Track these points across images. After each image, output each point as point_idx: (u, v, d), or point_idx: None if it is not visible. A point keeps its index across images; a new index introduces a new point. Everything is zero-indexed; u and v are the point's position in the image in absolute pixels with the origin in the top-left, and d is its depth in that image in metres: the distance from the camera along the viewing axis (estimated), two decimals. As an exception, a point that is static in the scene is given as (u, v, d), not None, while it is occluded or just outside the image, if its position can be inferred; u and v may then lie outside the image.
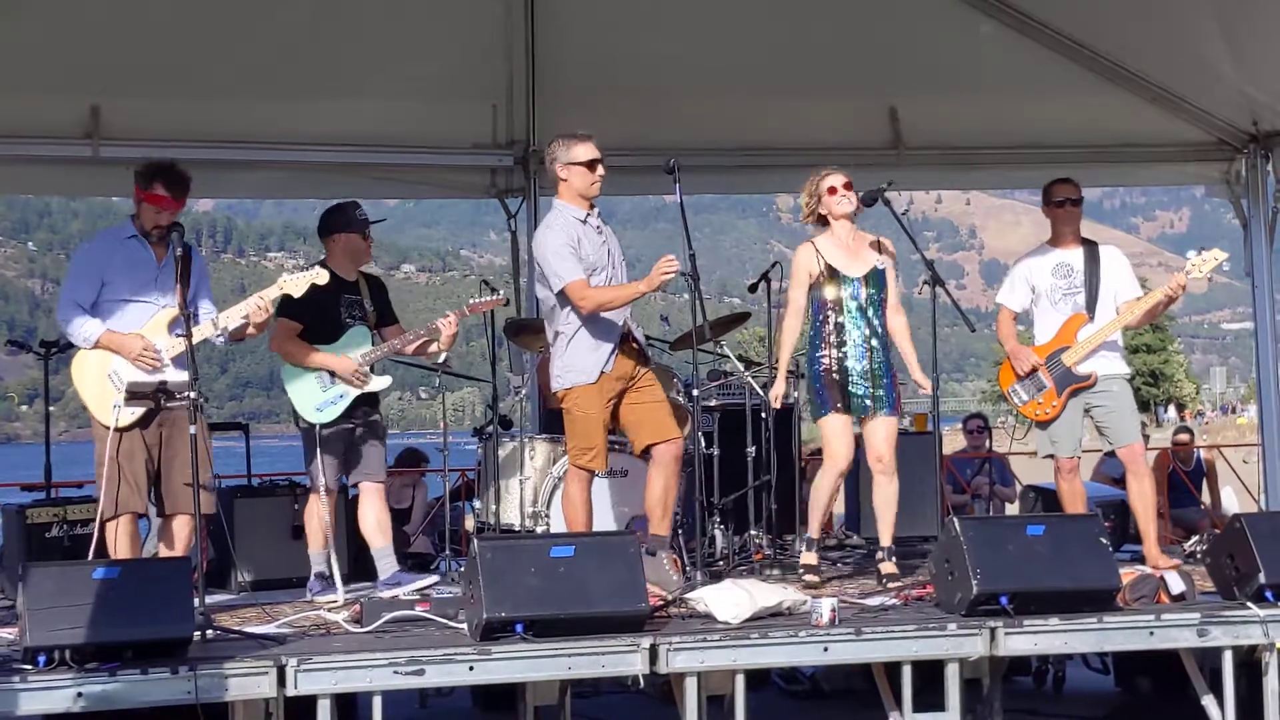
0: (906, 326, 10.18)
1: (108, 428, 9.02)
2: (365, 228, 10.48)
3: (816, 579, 10.00)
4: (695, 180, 13.71)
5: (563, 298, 9.64)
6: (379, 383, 10.33)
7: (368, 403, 10.33)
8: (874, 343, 9.95)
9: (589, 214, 9.74)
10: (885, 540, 10.11)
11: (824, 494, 10.11)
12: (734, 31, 13.60)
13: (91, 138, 12.84)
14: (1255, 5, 12.43)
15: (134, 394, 8.91)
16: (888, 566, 10.02)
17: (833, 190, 10.03)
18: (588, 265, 9.58)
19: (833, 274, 9.96)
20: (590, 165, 9.67)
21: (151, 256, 9.27)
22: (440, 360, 10.74)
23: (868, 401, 9.93)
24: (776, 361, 10.39)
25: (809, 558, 10.16)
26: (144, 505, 9.19)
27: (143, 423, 9.09)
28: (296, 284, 9.50)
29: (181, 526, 9.22)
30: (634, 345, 9.80)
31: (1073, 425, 10.45)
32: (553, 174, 9.85)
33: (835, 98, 13.99)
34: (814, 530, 10.23)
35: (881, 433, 10.00)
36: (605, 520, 10.57)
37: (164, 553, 9.22)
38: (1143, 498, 10.49)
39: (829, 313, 9.97)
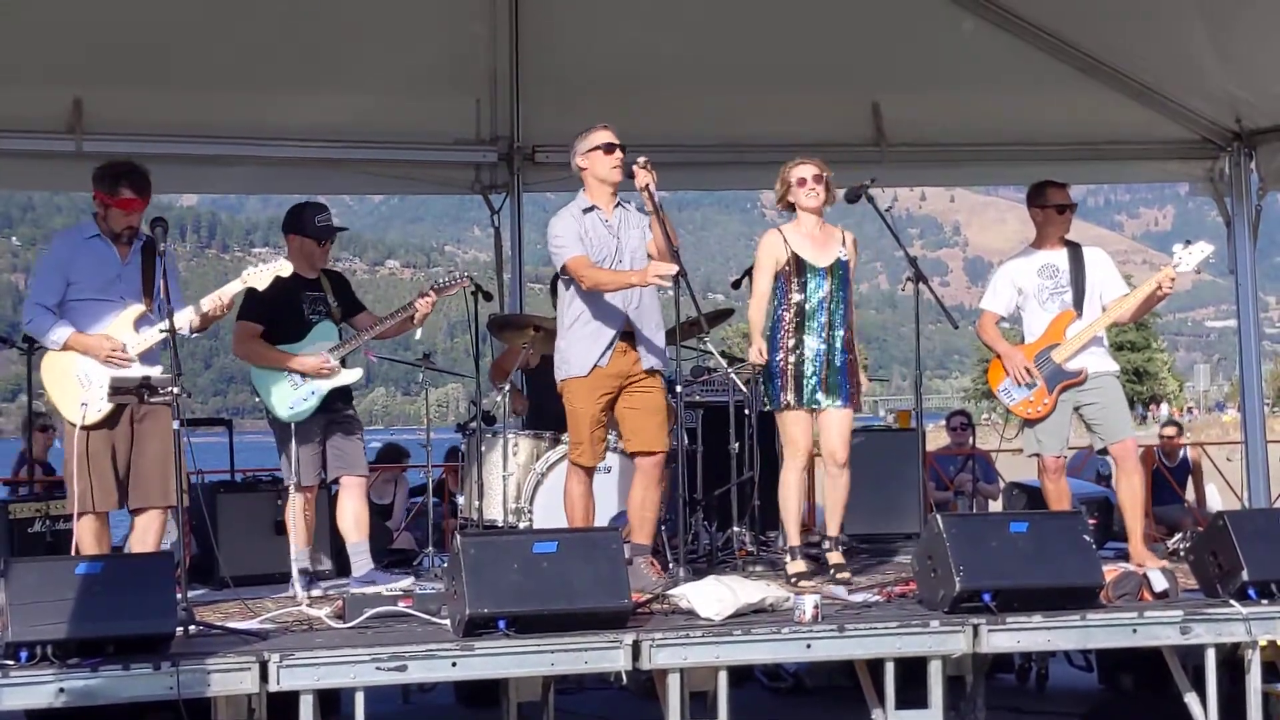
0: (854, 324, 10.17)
1: (74, 426, 9.01)
2: (319, 235, 10.41)
3: (811, 583, 9.91)
4: (678, 176, 13.74)
5: (565, 280, 9.72)
6: (350, 375, 10.32)
7: (341, 397, 10.33)
8: (833, 334, 9.94)
9: (598, 208, 9.74)
10: (832, 530, 10.14)
11: (792, 494, 10.06)
12: (717, 27, 13.60)
13: (74, 132, 12.80)
14: (1239, 3, 12.45)
15: (118, 389, 8.89)
16: (834, 556, 10.03)
17: (801, 182, 10.03)
18: (590, 256, 9.62)
19: (799, 263, 9.96)
20: (608, 149, 9.67)
21: (115, 255, 9.22)
22: (417, 336, 10.75)
23: (819, 394, 9.92)
24: (750, 330, 10.32)
25: (796, 566, 10.05)
26: (111, 502, 9.13)
27: (109, 421, 9.06)
28: (260, 277, 9.45)
29: (151, 521, 9.21)
30: (638, 343, 9.80)
31: (1061, 424, 10.46)
32: (576, 170, 9.87)
33: (818, 94, 13.98)
34: (794, 537, 10.13)
35: (834, 426, 9.99)
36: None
37: (136, 549, 9.20)
38: (1132, 494, 10.49)
39: (791, 302, 9.97)
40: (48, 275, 9.33)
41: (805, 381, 9.93)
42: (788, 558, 10.19)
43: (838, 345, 9.97)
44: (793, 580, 9.86)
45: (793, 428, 10.01)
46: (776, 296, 10.04)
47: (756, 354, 10.04)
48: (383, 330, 10.40)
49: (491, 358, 12.96)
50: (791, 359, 9.95)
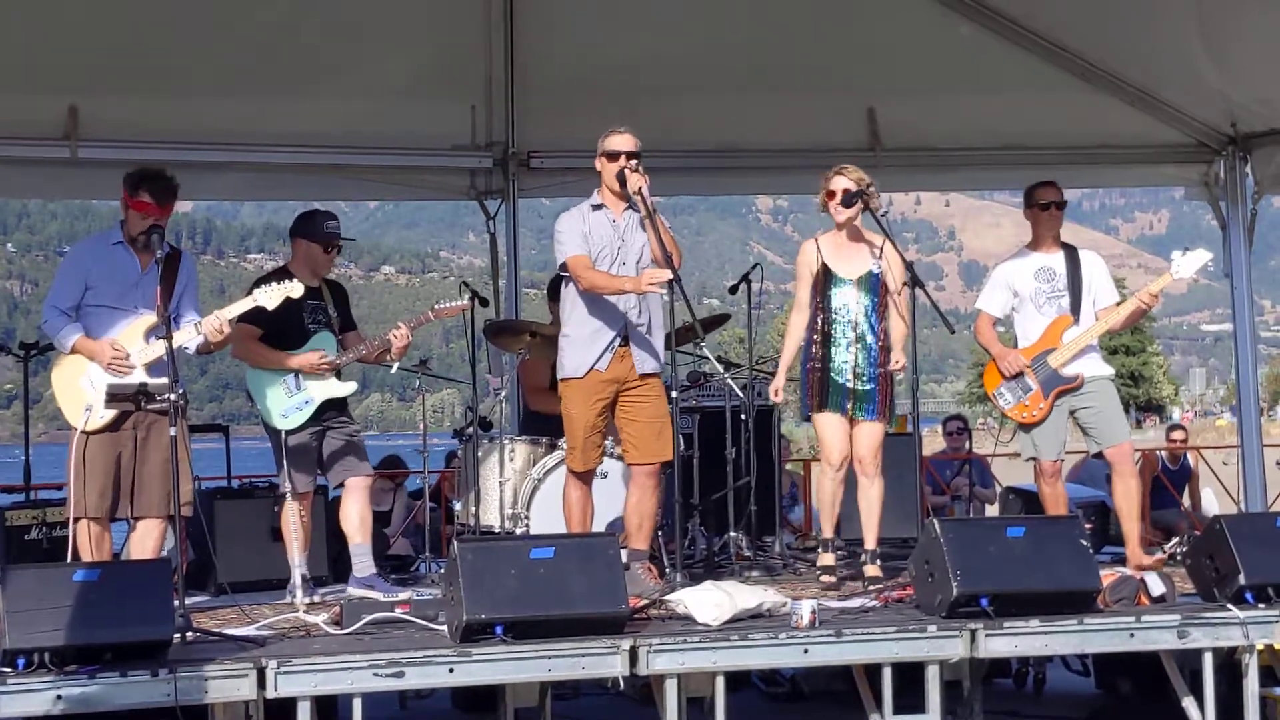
0: (903, 336, 10.08)
1: (76, 430, 9.03)
2: (329, 241, 10.41)
3: (833, 578, 10.02)
4: (674, 181, 13.76)
5: (566, 279, 9.79)
6: (345, 388, 10.32)
7: (336, 407, 10.32)
8: (860, 345, 9.95)
9: (606, 208, 9.81)
10: (869, 544, 10.12)
11: (826, 494, 10.14)
12: (713, 32, 13.63)
13: (70, 139, 12.82)
14: (1233, 7, 12.46)
15: (114, 395, 8.91)
16: (871, 570, 10.02)
17: (831, 195, 10.04)
18: (593, 254, 9.68)
19: (827, 273, 9.98)
20: (611, 157, 9.71)
21: (135, 263, 9.27)
22: (394, 369, 10.77)
23: (847, 403, 9.94)
24: (780, 356, 10.36)
25: (826, 559, 10.21)
26: (106, 508, 9.13)
27: (113, 427, 9.07)
28: (270, 297, 9.47)
29: (150, 530, 9.23)
30: (636, 347, 9.81)
31: (1057, 428, 10.47)
32: (597, 170, 9.93)
33: (814, 98, 14.01)
34: (827, 530, 10.25)
35: (863, 437, 10.01)
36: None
37: (135, 556, 9.20)
38: (1128, 498, 10.52)
39: (819, 312, 10.01)
40: (66, 279, 9.39)
41: (831, 391, 9.96)
42: (820, 549, 10.31)
43: (867, 359, 9.98)
44: (819, 573, 9.95)
45: (825, 431, 10.03)
46: (811, 306, 10.10)
47: (774, 393, 10.10)
48: (363, 354, 10.38)
49: (488, 363, 12.95)
50: (819, 368, 9.99)
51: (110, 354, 9.08)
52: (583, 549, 8.33)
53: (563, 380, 9.86)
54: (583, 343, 9.72)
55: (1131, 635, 8.60)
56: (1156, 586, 9.02)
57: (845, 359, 9.94)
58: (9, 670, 7.30)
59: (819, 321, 10.02)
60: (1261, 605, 8.67)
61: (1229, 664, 8.75)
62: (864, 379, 9.96)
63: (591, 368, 9.69)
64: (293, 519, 10.06)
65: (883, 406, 10.07)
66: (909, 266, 10.05)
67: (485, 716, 9.28)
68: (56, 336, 9.25)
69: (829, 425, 10.00)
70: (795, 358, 10.24)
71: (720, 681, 8.06)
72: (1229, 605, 8.67)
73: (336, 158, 13.97)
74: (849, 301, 9.98)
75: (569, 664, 7.89)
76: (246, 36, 12.96)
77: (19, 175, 13.61)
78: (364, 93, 13.55)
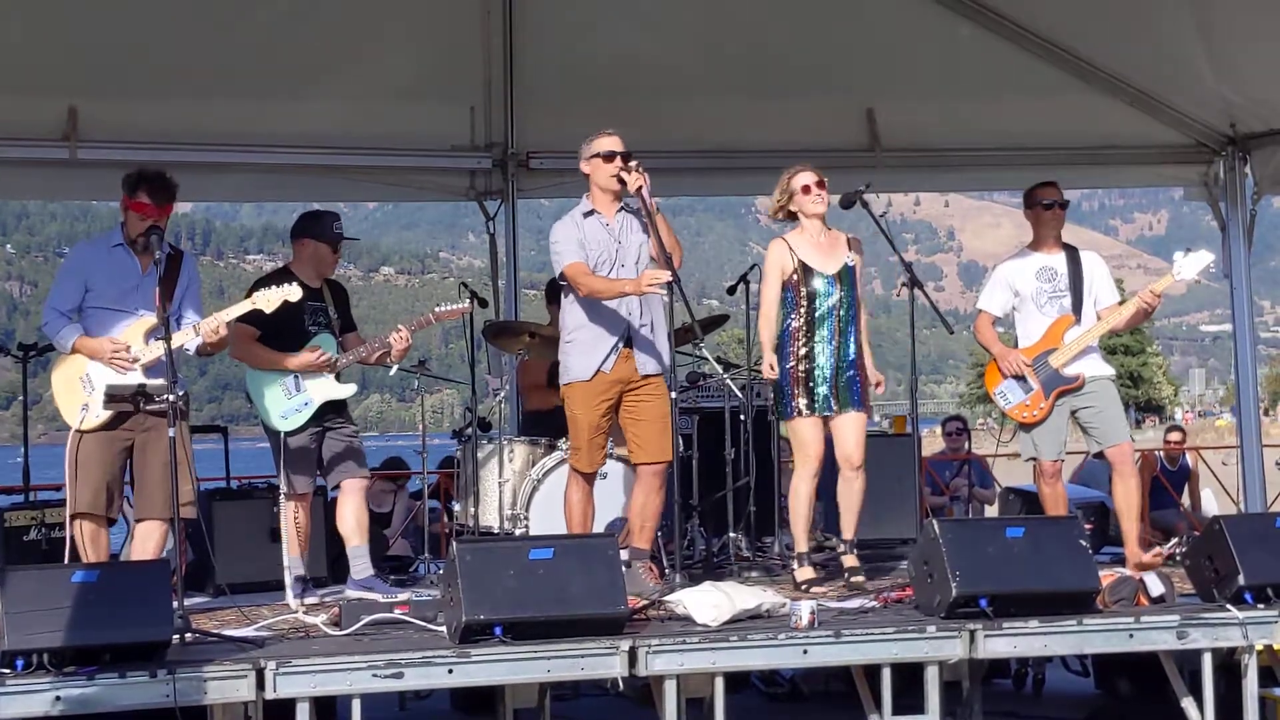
0: (866, 324, 10.22)
1: (72, 429, 9.04)
2: (338, 242, 10.43)
3: (823, 589, 9.90)
4: (673, 182, 13.73)
5: (565, 286, 9.78)
6: (345, 390, 10.30)
7: (335, 410, 10.30)
8: (843, 340, 9.96)
9: (598, 212, 9.81)
10: (847, 534, 10.12)
11: (802, 501, 10.05)
12: (712, 33, 13.62)
13: (69, 140, 12.81)
14: (1232, 8, 12.46)
15: (113, 396, 8.90)
16: (849, 560, 10.04)
17: (806, 189, 10.04)
18: (591, 261, 9.68)
19: (806, 271, 9.96)
20: (607, 157, 9.70)
21: (136, 265, 9.26)
22: (393, 371, 10.77)
23: (832, 400, 9.94)
24: (760, 345, 10.30)
25: (805, 573, 10.04)
26: (105, 508, 9.13)
27: (110, 426, 9.07)
28: (269, 300, 9.44)
29: (151, 531, 9.21)
30: (639, 348, 9.81)
31: (1058, 429, 10.45)
32: (584, 174, 9.92)
33: (813, 100, 14.00)
34: (801, 544, 10.14)
35: (849, 430, 10.00)
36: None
37: (136, 558, 9.19)
38: (1128, 498, 10.51)
39: (800, 310, 9.98)
40: (65, 280, 9.40)
41: (816, 389, 9.94)
42: (795, 564, 10.19)
43: (848, 352, 9.98)
44: (801, 587, 9.86)
45: (804, 433, 10.00)
46: (785, 305, 10.06)
47: (768, 369, 10.04)
48: (363, 356, 10.37)
49: (487, 364, 12.95)
50: (802, 367, 9.96)
51: (111, 349, 9.07)
52: (582, 550, 8.33)
53: (566, 385, 9.85)
54: (587, 347, 9.72)
55: (1130, 636, 8.59)
56: (1156, 587, 9.01)
57: (829, 354, 9.94)
58: (8, 671, 7.29)
59: (801, 319, 10.00)
60: (1261, 606, 8.65)
61: (1228, 664, 8.75)
62: (846, 373, 9.97)
63: (597, 371, 9.70)
64: (288, 520, 10.06)
65: (865, 395, 10.08)
66: (908, 267, 10.06)
67: (484, 718, 9.27)
68: (56, 337, 9.26)
69: (810, 427, 9.99)
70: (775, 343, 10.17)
71: (719, 682, 8.05)
72: (1228, 606, 8.65)
73: (336, 158, 13.96)
74: (832, 297, 9.97)
75: (568, 665, 7.88)
76: (246, 36, 12.94)
77: (19, 176, 13.59)
78: (364, 93, 13.54)
